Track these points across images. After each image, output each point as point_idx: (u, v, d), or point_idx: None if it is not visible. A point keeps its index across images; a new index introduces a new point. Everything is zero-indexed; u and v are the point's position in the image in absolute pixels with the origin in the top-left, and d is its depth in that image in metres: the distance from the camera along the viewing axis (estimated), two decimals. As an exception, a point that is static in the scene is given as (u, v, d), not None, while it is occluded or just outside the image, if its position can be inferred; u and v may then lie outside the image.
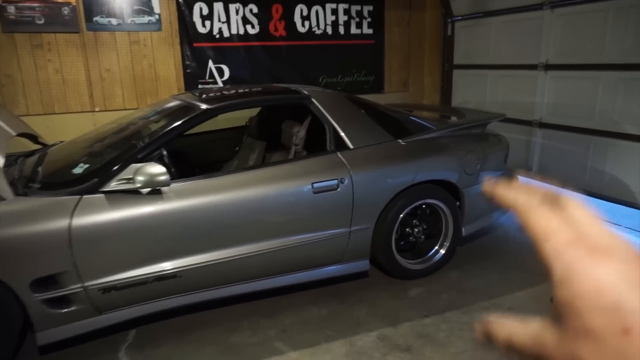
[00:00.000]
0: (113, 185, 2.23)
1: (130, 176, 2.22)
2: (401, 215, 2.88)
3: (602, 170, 3.85)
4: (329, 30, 5.26)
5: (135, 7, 4.40)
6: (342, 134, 2.78)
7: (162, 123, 2.60)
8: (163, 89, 4.64)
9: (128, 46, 4.47)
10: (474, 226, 3.24)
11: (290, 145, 2.97)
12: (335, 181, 2.62)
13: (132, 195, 2.26)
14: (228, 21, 4.79)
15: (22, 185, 2.34)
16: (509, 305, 2.70)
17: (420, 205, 3.00)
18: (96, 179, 2.26)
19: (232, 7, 4.77)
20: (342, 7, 5.21)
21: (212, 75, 4.88)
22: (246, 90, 3.09)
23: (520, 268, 3.15)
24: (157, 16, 4.51)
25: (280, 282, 2.70)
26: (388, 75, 5.73)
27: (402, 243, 3.02)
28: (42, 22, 4.10)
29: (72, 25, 4.21)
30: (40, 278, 2.13)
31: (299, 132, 2.92)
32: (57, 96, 4.30)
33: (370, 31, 5.46)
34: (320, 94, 2.91)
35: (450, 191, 3.05)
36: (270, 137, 3.38)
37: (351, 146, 2.77)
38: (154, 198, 2.29)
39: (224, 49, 4.86)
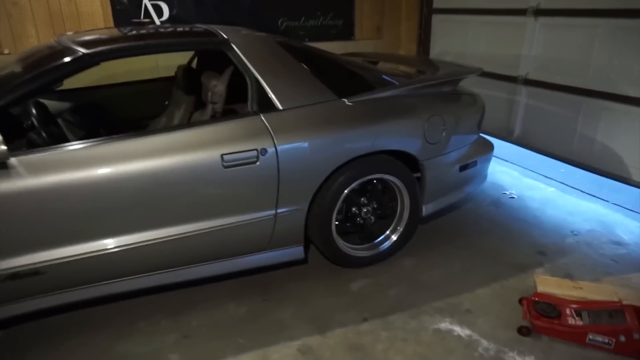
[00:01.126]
0: None
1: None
2: (344, 193, 2.33)
3: (593, 137, 3.30)
4: (289, -36, 4.46)
5: None
6: (269, 91, 2.16)
7: (21, 72, 1.95)
8: (87, 28, 3.90)
9: (39, -25, 3.68)
10: (436, 204, 2.71)
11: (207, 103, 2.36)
12: (254, 152, 2.04)
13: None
14: (164, -53, 3.99)
15: None
16: (468, 307, 2.22)
17: (370, 180, 2.45)
18: None
19: None
20: None
21: (148, 14, 4.13)
22: (153, 31, 2.42)
23: (486, 255, 2.66)
24: (73, -63, 3.69)
25: (186, 275, 2.18)
26: (359, 19, 4.99)
27: (347, 225, 2.50)
28: None
29: (-38, -56, 3.40)
30: None
31: (216, 87, 2.30)
32: (-49, 35, 3.57)
33: (339, -33, 4.67)
34: (243, 38, 2.26)
35: (408, 163, 2.49)
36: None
37: (280, 107, 2.16)
38: (-4, 173, 1.71)
39: (161, -18, 4.07)
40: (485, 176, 3.02)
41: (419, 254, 2.68)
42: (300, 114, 2.19)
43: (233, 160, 2.01)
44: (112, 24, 4.02)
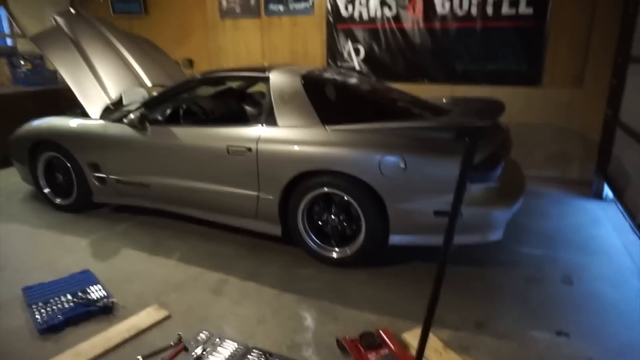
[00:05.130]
0: (124, 120, 3.64)
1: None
2: (308, 197, 3.05)
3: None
4: (474, 10, 4.78)
5: (297, -5, 5.49)
6: (276, 113, 3.16)
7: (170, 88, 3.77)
8: (311, 63, 5.63)
9: (290, 27, 5.66)
10: (406, 239, 2.92)
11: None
12: (244, 149, 3.14)
13: (133, 128, 3.61)
14: (367, 4, 5.20)
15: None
16: (337, 316, 2.56)
17: (341, 197, 3.01)
18: (123, 115, 3.70)
19: (374, -9, 5.13)
20: (492, -18, 4.62)
21: (350, 55, 5.48)
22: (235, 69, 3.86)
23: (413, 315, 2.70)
24: (311, 2, 5.45)
25: (208, 216, 3.53)
26: (550, 64, 4.65)
27: (319, 223, 3.16)
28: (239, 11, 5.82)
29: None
30: (92, 163, 3.83)
31: (261, 105, 3.47)
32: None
33: (530, 10, 4.56)
34: (278, 77, 3.25)
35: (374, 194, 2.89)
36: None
37: (279, 124, 3.14)
38: (140, 133, 3.57)
39: (361, 30, 5.32)
40: (497, 235, 2.85)
41: (383, 279, 2.95)
42: (287, 131, 3.09)
43: (232, 151, 3.18)
44: (325, 61, 5.61)
